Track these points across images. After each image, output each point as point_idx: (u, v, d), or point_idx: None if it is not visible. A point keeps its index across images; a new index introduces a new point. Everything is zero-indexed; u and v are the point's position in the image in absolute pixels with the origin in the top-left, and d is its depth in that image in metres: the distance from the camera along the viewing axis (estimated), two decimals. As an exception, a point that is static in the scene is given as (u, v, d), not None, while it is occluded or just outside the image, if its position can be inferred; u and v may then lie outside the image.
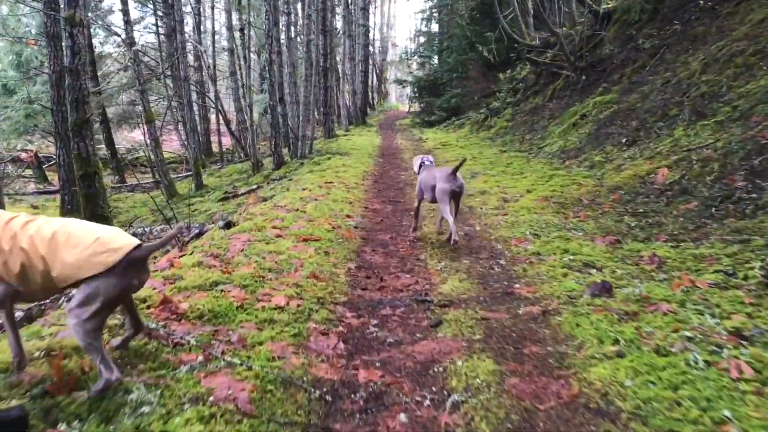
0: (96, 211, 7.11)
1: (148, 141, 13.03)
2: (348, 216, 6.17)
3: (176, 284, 3.43)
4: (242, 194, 10.29)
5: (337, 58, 23.09)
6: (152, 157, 13.13)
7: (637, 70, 11.77)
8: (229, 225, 5.40)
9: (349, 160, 11.45)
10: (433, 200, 5.43)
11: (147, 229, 8.26)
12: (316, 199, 6.84)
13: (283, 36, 12.75)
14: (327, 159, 11.75)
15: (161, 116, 19.45)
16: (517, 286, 3.90)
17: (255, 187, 10.51)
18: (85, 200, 7.12)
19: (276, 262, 4.10)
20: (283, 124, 13.14)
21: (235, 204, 9.45)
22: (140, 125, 23.37)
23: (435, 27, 38.83)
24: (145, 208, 13.38)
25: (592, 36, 15.06)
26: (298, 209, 6.15)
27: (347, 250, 4.85)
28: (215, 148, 25.06)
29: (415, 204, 5.77)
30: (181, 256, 4.41)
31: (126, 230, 7.19)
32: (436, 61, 37.27)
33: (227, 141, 23.54)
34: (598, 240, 4.91)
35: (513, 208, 6.58)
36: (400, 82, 28.73)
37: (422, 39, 38.53)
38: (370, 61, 37.10)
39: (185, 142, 18.51)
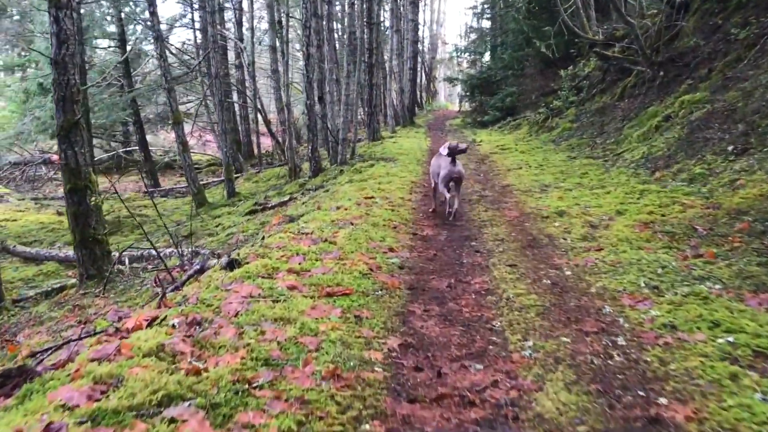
0: (86, 233, 5.88)
1: (177, 144, 11.91)
2: (391, 249, 4.70)
3: (99, 405, 2.04)
4: (272, 207, 8.98)
5: (385, 56, 21.69)
6: (180, 161, 11.98)
7: (730, 64, 9.89)
8: (233, 265, 4.02)
9: (394, 167, 10.01)
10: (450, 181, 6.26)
11: (144, 253, 6.98)
12: (352, 223, 5.41)
13: (324, 28, 11.39)
14: (370, 166, 10.34)
15: (196, 117, 18.50)
16: (664, 401, 2.35)
17: (287, 198, 9.18)
18: (74, 219, 5.88)
19: (279, 344, 2.67)
20: (322, 126, 11.82)
21: (260, 220, 8.14)
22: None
23: (486, 24, 37.11)
24: (174, 216, 12.28)
25: (668, 27, 13.23)
26: (326, 239, 4.73)
27: (388, 312, 3.38)
28: (258, 149, 24.09)
29: (432, 185, 6.89)
30: (150, 323, 3.06)
31: (112, 264, 5.99)
32: (487, 58, 35.52)
33: (268, 142, 22.49)
34: (749, 299, 3.34)
35: (607, 238, 4.98)
36: (450, 80, 27.11)
37: (473, 36, 36.77)
38: (419, 59, 35.60)
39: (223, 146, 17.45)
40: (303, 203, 8.04)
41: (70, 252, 8.39)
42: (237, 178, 17.06)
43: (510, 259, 4.55)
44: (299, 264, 4.01)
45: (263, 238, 5.06)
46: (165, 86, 11.62)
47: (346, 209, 6.18)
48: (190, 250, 4.75)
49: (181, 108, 21.35)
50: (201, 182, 18.78)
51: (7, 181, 17.18)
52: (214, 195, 15.27)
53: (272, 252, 4.31)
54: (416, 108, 34.26)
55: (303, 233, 4.98)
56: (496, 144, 14.75)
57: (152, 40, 11.49)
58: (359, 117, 16.46)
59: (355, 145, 12.89)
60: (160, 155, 21.17)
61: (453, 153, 6.40)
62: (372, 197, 7.00)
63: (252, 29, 18.06)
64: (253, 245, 4.71)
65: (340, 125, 11.09)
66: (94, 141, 22.41)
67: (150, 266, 5.94)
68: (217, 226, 8.81)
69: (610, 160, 9.87)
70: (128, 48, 16.39)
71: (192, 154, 24.68)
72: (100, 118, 16.32)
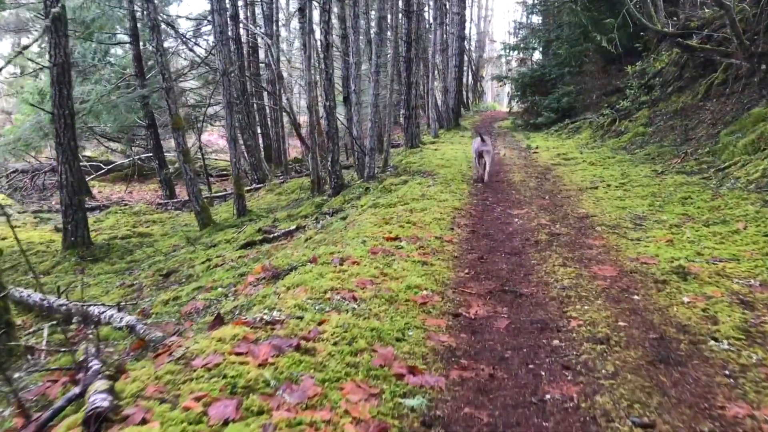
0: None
1: (177, 153, 10.15)
2: (411, 370, 2.60)
3: None
4: (276, 238, 7.02)
5: (428, 51, 19.55)
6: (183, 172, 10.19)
7: None
8: (98, 422, 2.04)
9: (433, 185, 7.92)
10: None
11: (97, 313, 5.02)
12: (354, 299, 3.37)
13: (350, 14, 9.40)
14: (402, 183, 8.29)
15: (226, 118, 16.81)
16: None
17: (294, 227, 7.20)
18: None
19: None
20: (347, 133, 9.83)
21: (253, 258, 6.18)
22: (204, 129, 20.95)
23: (536, 20, 34.50)
24: (174, 238, 10.51)
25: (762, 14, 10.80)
26: (302, 343, 2.69)
27: None
28: (291, 154, 22.37)
29: (474, 162, 9.11)
30: None
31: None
32: (537, 56, 32.90)
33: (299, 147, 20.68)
34: None
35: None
36: (499, 78, 24.79)
37: (522, 33, 34.20)
38: (465, 57, 33.29)
39: (243, 152, 15.67)
40: (307, 239, 6.03)
41: None
42: (259, 188, 15.26)
43: (634, 396, 2.41)
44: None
45: (196, 337, 3.06)
46: (163, 85, 9.82)
47: (354, 262, 4.13)
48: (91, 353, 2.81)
49: (210, 111, 19.76)
50: (222, 192, 17.09)
51: (13, 189, 15.88)
52: (229, 209, 13.49)
53: (190, 384, 2.30)
54: (462, 109, 31.99)
55: (268, 324, 2.95)
56: (556, 151, 12.45)
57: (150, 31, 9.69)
58: (396, 120, 14.42)
59: (388, 154, 10.85)
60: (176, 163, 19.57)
61: (480, 134, 8.92)
62: (397, 238, 4.93)
63: (276, 21, 16.24)
64: (171, 358, 2.69)
65: (368, 132, 9.07)
66: (113, 145, 21.10)
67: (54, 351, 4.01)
68: (204, 262, 6.91)
69: (712, 178, 7.57)
70: (141, 44, 14.76)
71: (216, 159, 23.14)
72: (108, 121, 14.74)
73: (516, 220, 6.07)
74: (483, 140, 8.57)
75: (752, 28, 10.68)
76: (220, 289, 4.58)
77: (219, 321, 3.49)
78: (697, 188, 6.89)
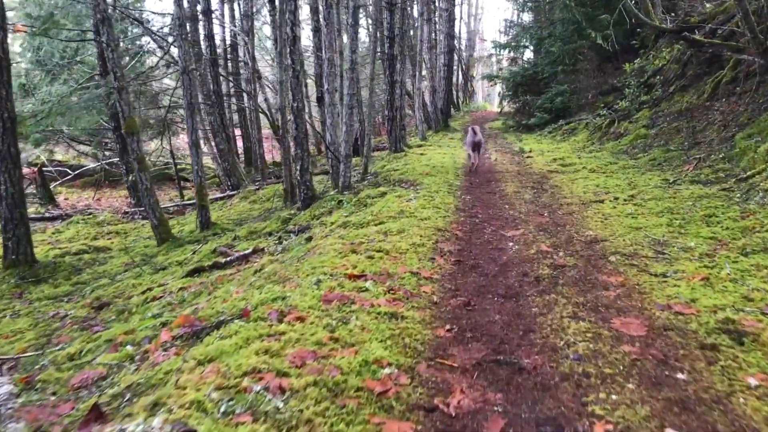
0: None
1: (131, 160, 9.10)
2: None
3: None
4: (230, 263, 5.97)
5: (415, 49, 18.51)
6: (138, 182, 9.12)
7: None
8: None
9: (414, 199, 6.88)
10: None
11: None
12: (282, 389, 2.33)
13: (323, 5, 8.33)
14: (380, 195, 7.26)
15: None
16: None
17: (250, 251, 6.14)
18: None
19: None
20: (318, 138, 8.77)
21: (195, 292, 5.12)
22: (178, 131, 19.85)
23: (527, 18, 33.55)
24: (133, 252, 9.45)
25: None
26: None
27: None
28: (269, 158, 21.30)
29: (468, 153, 10.50)
30: None
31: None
32: (529, 54, 31.93)
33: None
34: None
35: None
36: (490, 77, 23.77)
37: (514, 32, 33.23)
38: (455, 56, 32.31)
39: (216, 156, 14.59)
40: (257, 272, 4.97)
41: None
42: (233, 195, 14.18)
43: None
44: None
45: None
46: (114, 85, 8.74)
47: (298, 318, 3.10)
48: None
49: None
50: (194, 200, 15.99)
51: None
52: (188, 224, 12.44)
53: None
54: (452, 109, 30.99)
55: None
56: (552, 156, 11.46)
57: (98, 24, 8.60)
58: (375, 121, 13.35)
59: (368, 160, 9.81)
60: (156, 166, 18.48)
61: (473, 128, 10.26)
62: (362, 275, 3.89)
63: (253, 17, 15.18)
64: None
65: (342, 137, 8.02)
66: (84, 149, 19.94)
67: None
68: (144, 292, 5.85)
69: (735, 190, 6.58)
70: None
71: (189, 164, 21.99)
72: (71, 123, 13.63)
73: (510, 244, 5.04)
74: (475, 132, 10.01)
75: (766, 21, 9.75)
76: (128, 348, 3.51)
77: (96, 415, 2.46)
78: (719, 202, 5.90)
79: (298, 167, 7.68)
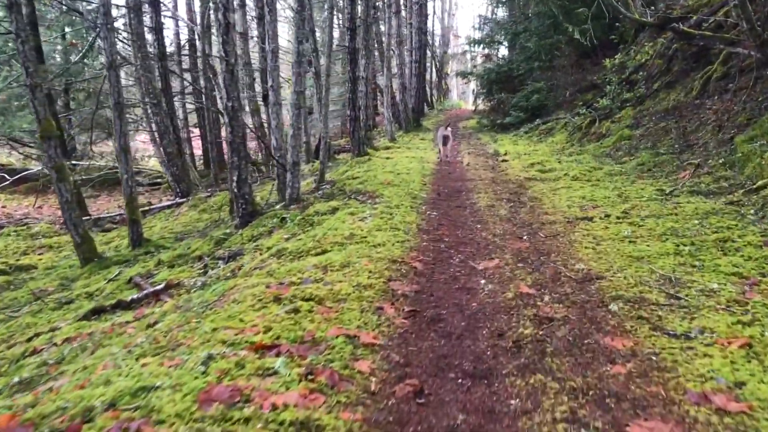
0: None
1: (47, 168, 7.89)
2: None
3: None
4: (139, 299, 4.79)
5: (384, 43, 17.35)
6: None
7: None
8: None
9: (370, 217, 5.76)
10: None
11: None
12: None
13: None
14: (331, 212, 6.14)
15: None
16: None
17: (161, 286, 4.97)
18: None
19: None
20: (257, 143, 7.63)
21: (81, 343, 3.96)
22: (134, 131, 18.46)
23: (502, 14, 32.68)
24: (53, 275, 8.24)
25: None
26: None
27: None
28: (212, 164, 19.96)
29: (438, 147, 11.93)
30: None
31: None
32: (504, 52, 31.03)
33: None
34: None
35: None
36: (463, 74, 22.74)
37: (488, 28, 32.30)
38: (428, 52, 31.28)
39: (164, 160, 13.32)
40: (150, 326, 3.81)
41: None
42: (181, 203, 12.93)
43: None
44: None
45: None
46: (27, 82, 7.48)
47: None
48: None
49: (140, 111, 17.26)
50: (145, 207, 14.68)
51: None
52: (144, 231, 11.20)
53: None
54: (426, 107, 29.96)
55: None
56: (529, 160, 10.45)
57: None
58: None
59: (324, 167, 8.67)
60: (101, 170, 17.10)
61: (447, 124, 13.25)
62: (275, 346, 2.78)
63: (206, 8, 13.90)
64: None
65: (289, 142, 6.87)
66: (33, 151, 18.48)
67: None
68: (30, 340, 4.67)
69: (744, 203, 5.63)
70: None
71: (144, 167, 20.61)
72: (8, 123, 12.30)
73: (482, 282, 3.97)
74: (446, 128, 11.85)
75: (764, 11, 8.86)
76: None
77: None
78: (731, 221, 4.91)
79: (235, 177, 6.52)
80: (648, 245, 4.50)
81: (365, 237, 4.93)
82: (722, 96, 9.62)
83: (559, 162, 9.81)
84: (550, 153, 11.71)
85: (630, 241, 4.66)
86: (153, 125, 13.10)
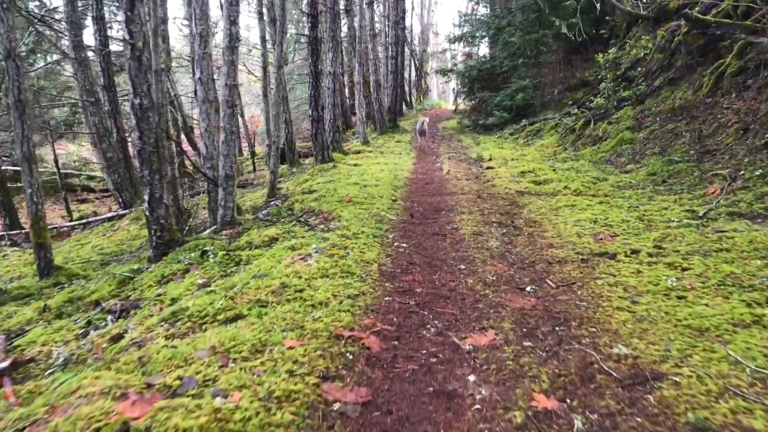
0: None
1: None
2: None
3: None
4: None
5: (356, 37, 15.85)
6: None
7: None
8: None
9: (317, 251, 4.26)
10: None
11: None
12: None
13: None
14: (267, 245, 4.64)
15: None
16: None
17: (8, 363, 3.42)
18: None
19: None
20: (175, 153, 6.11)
21: None
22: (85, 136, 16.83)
23: (483, 10, 31.32)
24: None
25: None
26: None
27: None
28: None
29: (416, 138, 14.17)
30: None
31: None
32: (485, 50, 29.61)
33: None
34: None
35: None
36: (443, 72, 21.31)
37: (468, 26, 30.90)
38: (407, 50, 29.84)
39: (105, 166, 11.69)
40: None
41: None
42: (123, 216, 11.32)
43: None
44: None
45: None
46: None
47: None
48: None
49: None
50: (86, 219, 13.03)
51: None
52: (78, 247, 9.66)
53: None
54: (404, 107, 28.52)
55: None
56: (519, 167, 9.04)
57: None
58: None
59: (275, 179, 7.16)
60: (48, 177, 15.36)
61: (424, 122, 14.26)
62: None
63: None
64: None
65: (221, 149, 5.35)
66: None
67: None
68: None
69: (808, 230, 4.23)
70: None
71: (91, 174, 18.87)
72: None
73: (471, 380, 2.50)
74: (423, 123, 13.70)
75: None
76: None
77: None
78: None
79: (146, 196, 4.99)
80: (707, 305, 3.07)
81: (302, 290, 3.45)
82: (741, 93, 8.31)
83: (554, 170, 8.41)
84: (541, 158, 10.32)
85: (678, 297, 3.24)
86: (92, 127, 11.46)
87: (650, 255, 4.03)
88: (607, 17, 15.80)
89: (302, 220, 5.32)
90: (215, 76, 5.31)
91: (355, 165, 9.70)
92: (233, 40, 5.20)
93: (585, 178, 7.39)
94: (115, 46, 18.40)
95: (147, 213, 5.00)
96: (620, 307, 3.18)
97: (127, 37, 4.79)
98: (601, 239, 4.55)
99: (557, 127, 13.23)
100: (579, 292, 3.47)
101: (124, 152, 12.25)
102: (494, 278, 3.77)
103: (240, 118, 20.57)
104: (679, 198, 5.88)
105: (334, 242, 4.49)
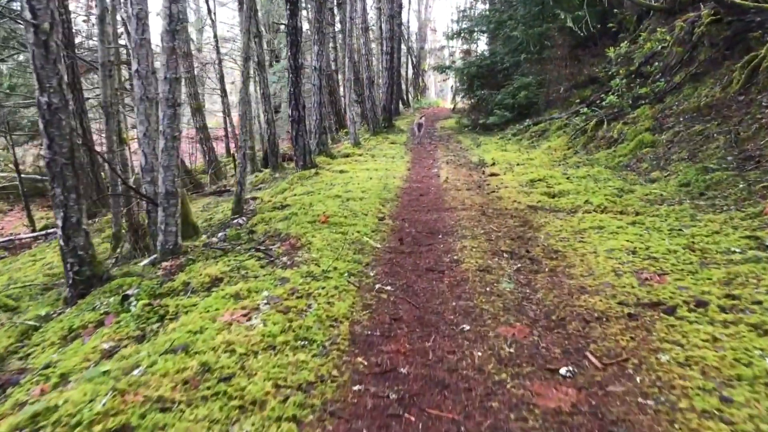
0: None
1: None
2: None
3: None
4: None
5: (345, 29, 14.71)
6: None
7: None
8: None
9: (268, 304, 3.14)
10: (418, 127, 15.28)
11: None
12: None
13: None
14: (207, 289, 3.52)
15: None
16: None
17: None
18: None
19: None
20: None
21: None
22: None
23: (481, 6, 30.23)
24: None
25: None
26: None
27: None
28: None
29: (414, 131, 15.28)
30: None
31: None
32: (484, 46, 28.50)
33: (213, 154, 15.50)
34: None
35: None
36: (441, 69, 20.16)
37: (467, 22, 29.79)
38: (404, 46, 28.69)
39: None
40: None
41: None
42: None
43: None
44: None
45: None
46: None
47: None
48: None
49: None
50: (46, 230, 11.90)
51: None
52: (36, 265, 8.58)
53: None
54: (401, 106, 27.40)
55: None
56: (526, 174, 7.94)
57: None
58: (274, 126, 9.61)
59: (242, 189, 6.03)
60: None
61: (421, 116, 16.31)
62: None
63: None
64: None
65: (161, 160, 4.22)
66: None
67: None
68: None
69: None
70: None
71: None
72: None
73: None
74: (420, 117, 15.49)
75: None
76: None
77: None
78: None
79: (60, 221, 3.88)
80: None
81: (230, 377, 2.34)
82: (784, 89, 7.24)
83: (567, 178, 7.31)
84: (550, 163, 9.22)
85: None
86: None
87: (722, 309, 2.92)
88: (615, 9, 14.72)
89: (262, 248, 4.20)
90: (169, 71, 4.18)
91: (341, 171, 8.57)
92: (174, 21, 4.09)
93: (606, 189, 6.28)
94: (82, 42, 17.26)
95: (61, 243, 3.88)
96: (707, 412, 2.07)
97: (28, 15, 3.67)
98: (648, 280, 3.44)
99: (565, 128, 12.13)
100: (637, 378, 2.36)
101: (90, 155, 11.12)
102: (512, 350, 2.66)
103: (227, 119, 19.43)
104: (729, 218, 4.77)
105: (294, 286, 3.38)
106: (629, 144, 8.99)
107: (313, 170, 8.65)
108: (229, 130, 19.91)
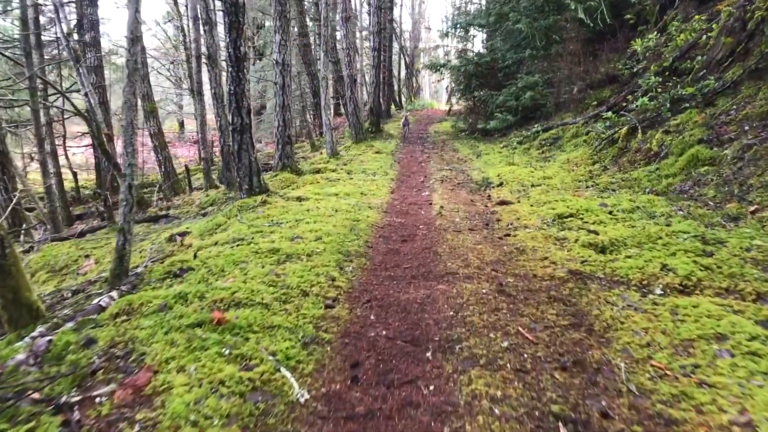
0: None
1: None
2: None
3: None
4: None
5: (322, 17, 12.52)
6: None
7: None
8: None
9: None
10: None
11: None
12: None
13: None
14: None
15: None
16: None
17: None
18: None
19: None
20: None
21: None
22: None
23: (479, 2, 28.18)
24: None
25: None
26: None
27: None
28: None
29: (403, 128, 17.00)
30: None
31: None
32: (478, 45, 26.49)
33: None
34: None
35: None
36: (434, 67, 17.99)
37: (462, 19, 27.67)
38: (396, 45, 26.50)
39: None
40: None
41: None
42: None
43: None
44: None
45: None
46: None
47: None
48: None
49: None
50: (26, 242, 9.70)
51: None
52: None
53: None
54: (393, 107, 25.23)
55: None
56: (549, 203, 5.78)
57: None
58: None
59: (125, 243, 3.86)
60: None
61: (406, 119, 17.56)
62: None
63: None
64: None
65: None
66: None
67: None
68: None
69: None
70: None
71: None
72: None
73: None
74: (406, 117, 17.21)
75: None
76: None
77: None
78: None
79: None
80: None
81: None
82: None
83: (610, 212, 5.16)
84: (574, 183, 7.07)
85: None
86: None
87: None
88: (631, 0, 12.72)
89: (72, 401, 2.05)
90: None
91: (299, 199, 6.36)
92: None
93: (678, 236, 4.13)
94: (48, 37, 15.07)
95: None
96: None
97: None
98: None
99: (584, 135, 9.99)
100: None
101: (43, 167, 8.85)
102: None
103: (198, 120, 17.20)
104: None
105: None
106: (677, 160, 6.87)
107: (260, 197, 6.45)
108: (206, 135, 17.73)
